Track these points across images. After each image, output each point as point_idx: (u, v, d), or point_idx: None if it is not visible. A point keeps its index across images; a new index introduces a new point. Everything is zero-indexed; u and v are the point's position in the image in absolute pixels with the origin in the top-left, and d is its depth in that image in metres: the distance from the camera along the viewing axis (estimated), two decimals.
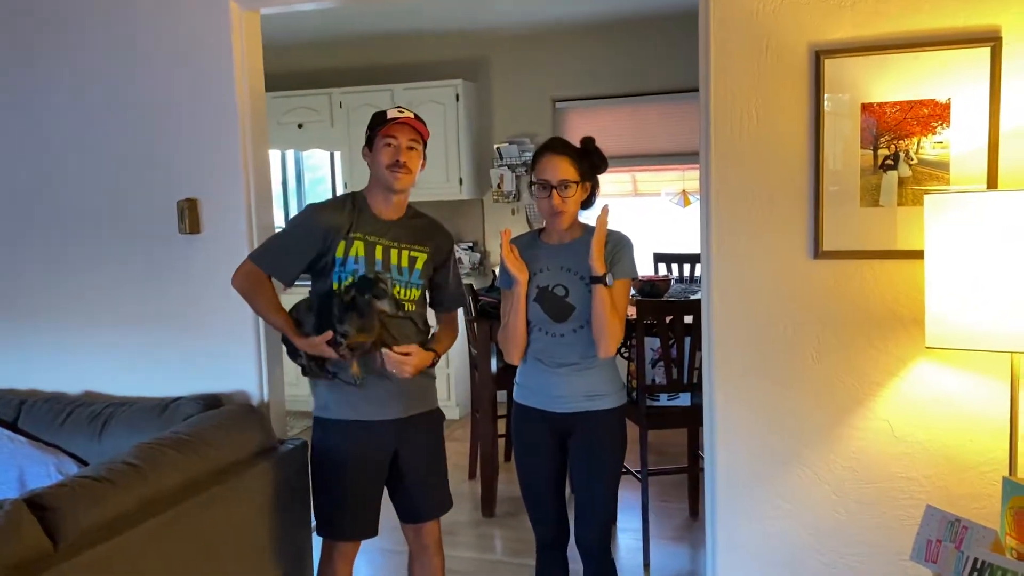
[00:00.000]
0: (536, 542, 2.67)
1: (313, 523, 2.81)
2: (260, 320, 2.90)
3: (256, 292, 2.50)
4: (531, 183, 2.48)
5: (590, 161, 2.47)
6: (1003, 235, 1.96)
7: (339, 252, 2.46)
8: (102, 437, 2.79)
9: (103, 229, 3.05)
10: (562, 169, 2.41)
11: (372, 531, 2.60)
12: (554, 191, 2.40)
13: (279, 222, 6.92)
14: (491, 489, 4.22)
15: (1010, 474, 2.14)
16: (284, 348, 2.58)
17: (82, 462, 2.80)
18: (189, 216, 2.91)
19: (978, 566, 1.67)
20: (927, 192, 2.13)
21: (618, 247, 2.45)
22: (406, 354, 2.43)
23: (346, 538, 2.59)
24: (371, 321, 2.36)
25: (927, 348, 2.15)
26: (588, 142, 2.49)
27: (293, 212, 7.18)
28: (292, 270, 2.51)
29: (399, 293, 2.51)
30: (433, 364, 2.58)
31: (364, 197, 2.55)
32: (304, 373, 2.54)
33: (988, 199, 2.02)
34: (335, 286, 2.46)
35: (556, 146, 2.46)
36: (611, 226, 2.47)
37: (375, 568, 3.69)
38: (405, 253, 2.54)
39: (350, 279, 2.44)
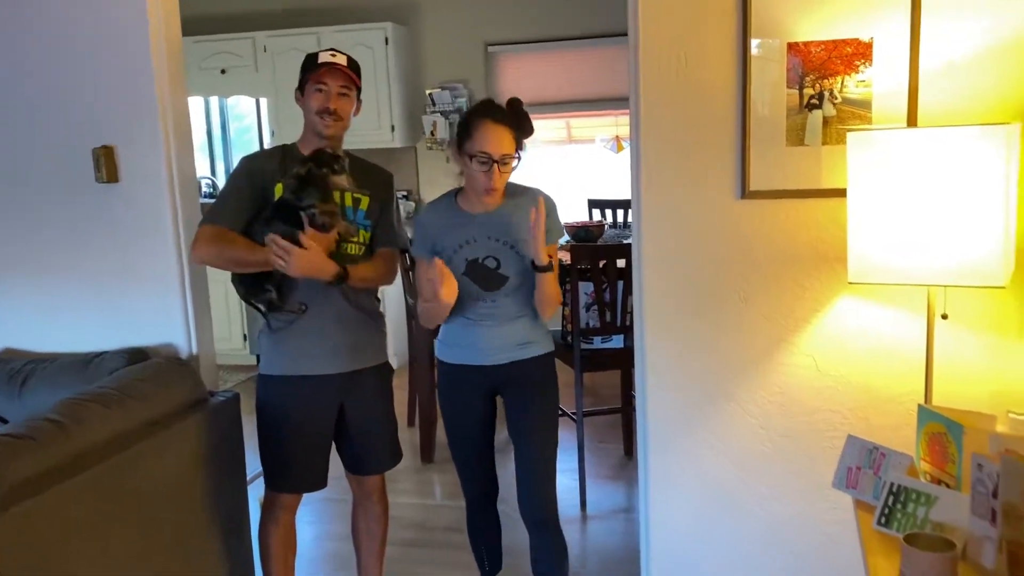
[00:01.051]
0: (465, 497, 2.65)
1: (249, 475, 2.79)
2: (186, 270, 2.80)
3: (226, 245, 2.40)
4: (461, 151, 2.30)
5: (522, 127, 2.33)
6: (921, 172, 2.01)
7: (277, 195, 2.41)
8: (22, 394, 2.69)
9: (15, 179, 2.90)
10: (505, 142, 2.26)
11: (319, 484, 2.58)
12: (495, 166, 2.25)
13: (203, 171, 6.79)
14: (429, 436, 4.24)
15: (925, 402, 2.23)
16: (239, 291, 2.49)
17: (2, 421, 2.71)
18: (106, 164, 2.79)
19: (894, 490, 1.74)
20: (850, 130, 2.16)
21: (547, 213, 2.34)
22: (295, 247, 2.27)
23: (290, 491, 2.58)
24: (329, 192, 2.30)
25: (849, 284, 2.21)
26: (517, 104, 2.33)
27: (220, 161, 7.00)
28: (244, 218, 2.43)
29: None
30: (336, 282, 2.36)
31: (296, 146, 2.50)
32: (270, 309, 2.46)
33: (908, 136, 2.06)
34: (278, 188, 2.39)
35: (495, 114, 2.29)
36: (544, 177, 2.43)
37: (319, 517, 3.70)
38: (348, 195, 2.47)
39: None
